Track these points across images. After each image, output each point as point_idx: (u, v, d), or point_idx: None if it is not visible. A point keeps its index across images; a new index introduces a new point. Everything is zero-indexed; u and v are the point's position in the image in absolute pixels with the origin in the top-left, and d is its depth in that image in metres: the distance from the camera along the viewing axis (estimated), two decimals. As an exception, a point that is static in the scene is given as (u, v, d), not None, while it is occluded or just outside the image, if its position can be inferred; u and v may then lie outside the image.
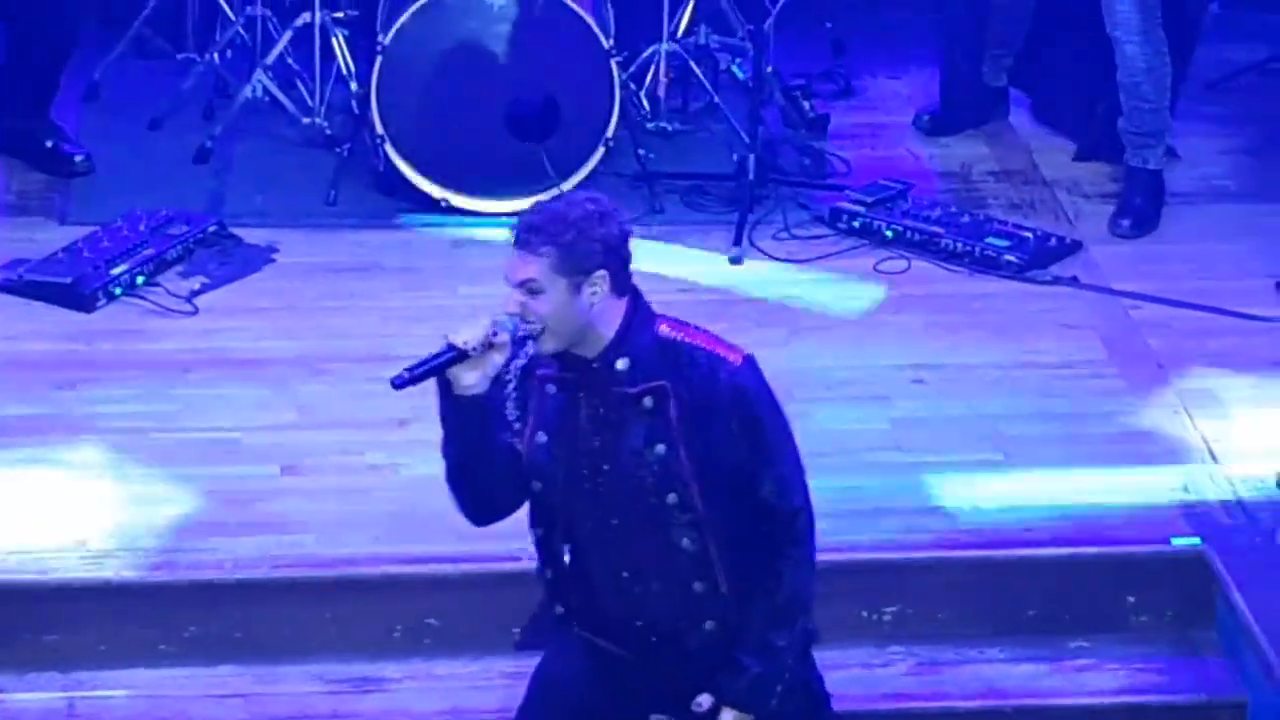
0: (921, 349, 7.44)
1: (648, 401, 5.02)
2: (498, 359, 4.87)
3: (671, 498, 5.03)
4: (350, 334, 7.50)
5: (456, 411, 4.98)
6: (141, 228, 7.72)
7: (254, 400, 7.18)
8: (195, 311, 7.54)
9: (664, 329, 5.11)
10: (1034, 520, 6.72)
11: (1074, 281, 7.79)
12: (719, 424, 5.04)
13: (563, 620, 5.31)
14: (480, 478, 5.11)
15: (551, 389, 5.03)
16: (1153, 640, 6.61)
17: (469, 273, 7.65)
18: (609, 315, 5.00)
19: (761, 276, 7.75)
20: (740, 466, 5.06)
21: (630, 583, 5.16)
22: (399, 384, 4.93)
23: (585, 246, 4.95)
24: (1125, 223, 8.13)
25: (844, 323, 7.57)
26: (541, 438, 5.04)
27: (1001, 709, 6.39)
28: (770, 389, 5.11)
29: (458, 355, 4.82)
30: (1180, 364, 7.39)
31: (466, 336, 4.81)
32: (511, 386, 5.08)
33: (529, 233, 4.89)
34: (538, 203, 5.05)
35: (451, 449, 5.06)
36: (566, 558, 5.21)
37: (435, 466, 6.67)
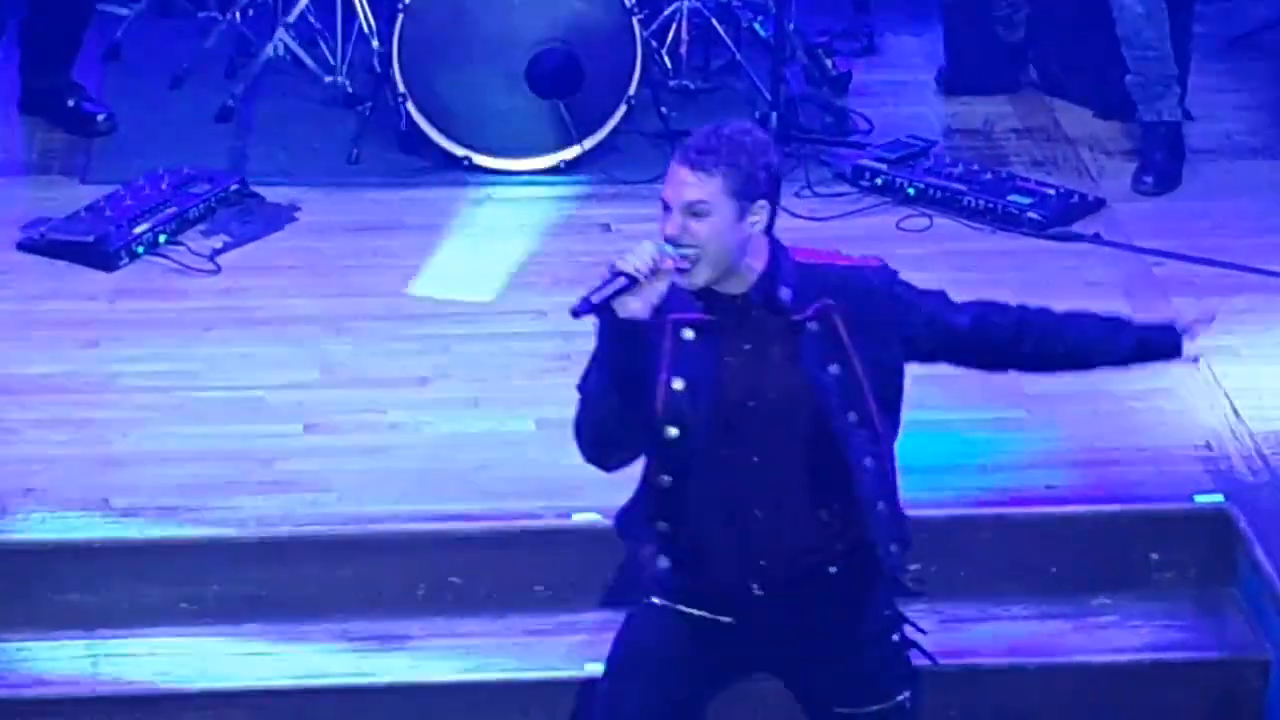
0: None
1: (814, 326, 5.02)
2: (660, 286, 4.83)
3: (852, 416, 5.03)
4: (372, 292, 7.51)
5: (619, 339, 4.90)
6: (164, 186, 7.74)
7: (276, 359, 7.21)
8: (218, 270, 7.57)
9: (801, 258, 5.15)
10: (1056, 477, 6.74)
11: (1097, 239, 7.79)
12: (884, 323, 5.11)
13: (666, 575, 5.22)
14: (626, 415, 5.00)
15: (690, 334, 5.00)
16: (1175, 598, 6.63)
17: (493, 229, 7.66)
18: (758, 249, 5.01)
19: (784, 234, 7.73)
20: (933, 334, 5.20)
21: (763, 529, 5.10)
22: (580, 311, 4.83)
23: (756, 173, 4.95)
24: (1149, 180, 8.15)
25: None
26: (678, 384, 4.98)
27: (1024, 666, 6.43)
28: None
29: (630, 282, 4.78)
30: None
31: (636, 263, 4.78)
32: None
33: (702, 154, 4.89)
34: (709, 126, 5.04)
35: (605, 382, 4.96)
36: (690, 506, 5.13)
37: (457, 424, 6.73)
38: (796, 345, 4.99)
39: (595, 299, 4.75)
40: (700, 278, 4.85)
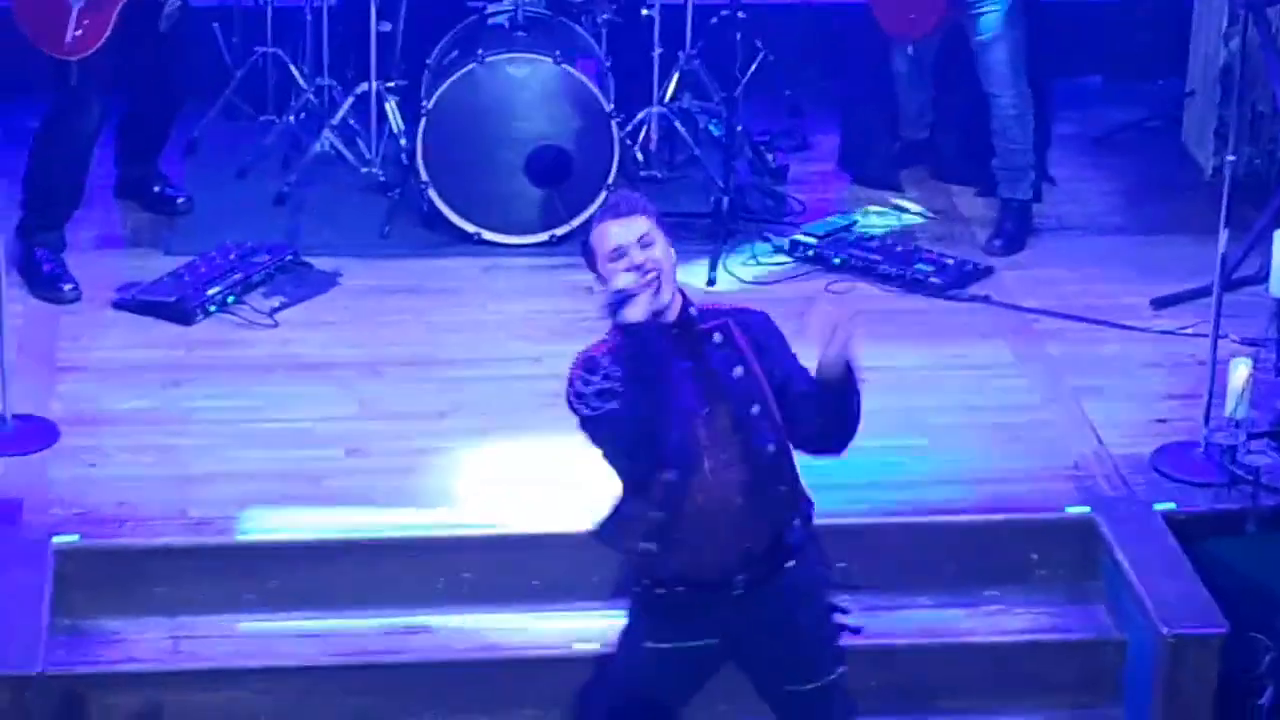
0: (863, 355, 7.43)
1: (718, 336, 5.08)
2: (647, 297, 4.92)
3: (755, 409, 5.06)
4: (400, 342, 7.51)
5: (635, 342, 4.94)
6: (231, 256, 7.75)
7: (322, 396, 7.19)
8: (275, 325, 7.58)
9: (597, 342, 5.20)
10: (953, 493, 6.74)
11: (987, 300, 7.79)
12: (762, 337, 5.16)
13: (656, 559, 5.20)
14: (658, 413, 5.00)
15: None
16: (1050, 590, 6.64)
17: (496, 292, 7.73)
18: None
19: (732, 295, 7.75)
20: (788, 356, 5.19)
21: (739, 512, 5.10)
22: (614, 308, 4.92)
23: (657, 216, 5.11)
24: (998, 243, 8.20)
25: (799, 333, 7.55)
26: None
27: (928, 646, 6.44)
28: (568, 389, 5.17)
29: (625, 296, 4.87)
30: (1073, 366, 7.41)
31: (624, 282, 4.90)
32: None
33: (627, 204, 5.11)
34: (614, 193, 5.28)
35: (638, 392, 4.95)
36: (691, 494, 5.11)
37: (469, 451, 6.70)
38: (708, 354, 5.04)
39: (609, 310, 4.88)
40: (667, 293, 4.93)
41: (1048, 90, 8.52)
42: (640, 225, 5.01)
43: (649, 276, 4.90)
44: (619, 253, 4.95)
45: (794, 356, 5.21)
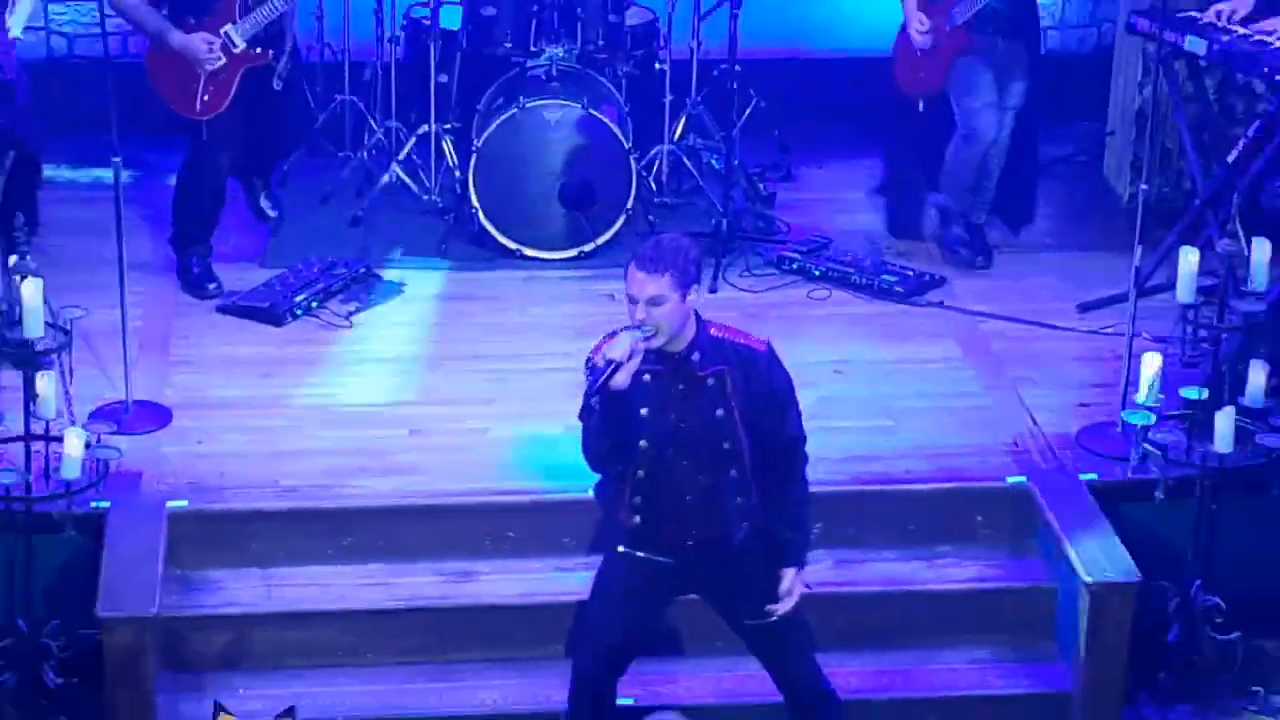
0: (839, 350, 7.46)
1: (712, 381, 5.11)
2: (635, 362, 4.95)
3: (727, 445, 5.18)
4: (454, 340, 7.53)
5: (613, 403, 5.01)
6: (315, 269, 7.76)
7: (390, 386, 7.21)
8: (350, 326, 7.58)
9: (713, 330, 5.22)
10: (914, 465, 6.75)
11: (941, 305, 7.78)
12: (759, 391, 5.15)
13: (635, 531, 5.34)
14: (620, 441, 5.14)
15: (647, 378, 5.08)
16: (994, 546, 6.66)
17: (534, 299, 7.73)
18: (691, 321, 5.11)
19: (730, 301, 7.75)
20: (771, 416, 5.22)
21: (691, 505, 5.25)
22: (594, 391, 5.01)
23: (689, 269, 5.05)
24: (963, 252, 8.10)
25: (785, 332, 7.55)
26: (644, 412, 5.10)
27: (892, 592, 6.44)
28: (782, 362, 5.33)
29: (618, 365, 4.91)
30: (1012, 361, 7.42)
31: (618, 352, 4.93)
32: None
33: (652, 260, 4.99)
34: (652, 239, 5.34)
35: (604, 428, 5.10)
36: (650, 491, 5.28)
37: (511, 430, 6.70)
38: (701, 393, 5.11)
39: (596, 386, 4.93)
40: (658, 343, 4.98)
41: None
42: (658, 285, 5.00)
43: (643, 337, 4.96)
44: (631, 299, 5.02)
45: (783, 417, 5.28)
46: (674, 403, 5.18)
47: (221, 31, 7.19)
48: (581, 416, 5.24)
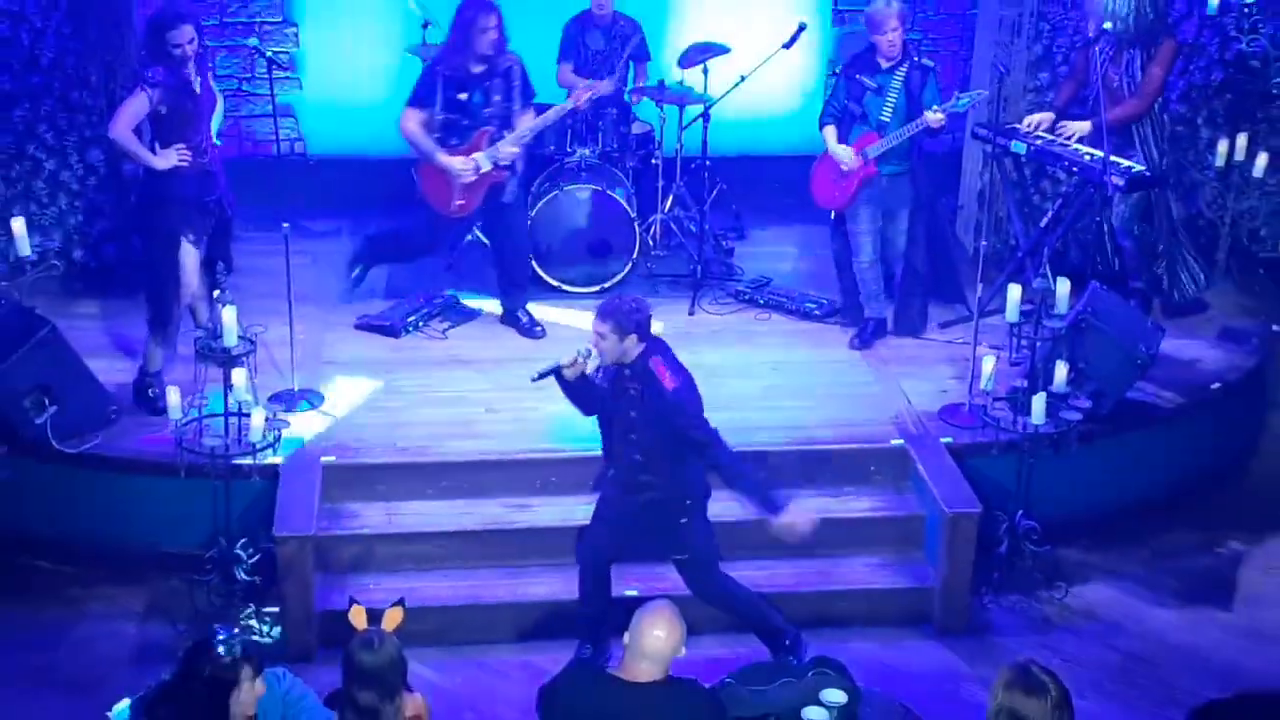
0: (776, 354, 7.43)
1: (632, 391, 5.27)
2: (578, 367, 5.29)
3: (633, 436, 5.38)
4: (515, 346, 7.46)
5: (567, 387, 5.45)
6: (420, 299, 7.73)
7: (472, 378, 7.18)
8: (445, 338, 7.55)
9: (652, 361, 5.33)
10: (827, 432, 6.74)
11: (841, 324, 7.68)
12: (661, 408, 5.30)
13: (606, 473, 5.58)
14: (587, 407, 5.54)
15: (600, 376, 5.44)
16: (883, 488, 6.67)
17: (567, 319, 7.63)
18: (633, 351, 5.25)
19: (703, 321, 7.72)
20: (677, 426, 5.30)
21: (623, 467, 5.48)
22: (535, 379, 5.43)
23: (627, 324, 5.24)
24: (856, 342, 7.46)
25: (740, 341, 7.56)
26: (605, 397, 5.38)
27: (841, 590, 6.39)
28: (692, 394, 5.37)
29: (558, 368, 5.32)
30: (894, 361, 7.35)
31: (565, 360, 5.33)
32: (601, 373, 5.42)
33: (602, 314, 5.27)
34: (609, 298, 5.51)
35: (569, 398, 5.51)
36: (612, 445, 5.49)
37: (553, 408, 6.71)
38: (625, 396, 5.33)
39: (539, 377, 5.41)
40: (594, 363, 5.34)
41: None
42: (601, 328, 5.25)
43: (586, 354, 5.29)
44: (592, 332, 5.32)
45: (686, 430, 5.31)
46: (615, 397, 5.39)
47: (474, 156, 7.04)
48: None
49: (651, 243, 8.37)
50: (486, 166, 7.07)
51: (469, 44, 6.94)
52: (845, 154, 7.08)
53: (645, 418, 5.34)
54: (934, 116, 6.87)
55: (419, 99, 7.09)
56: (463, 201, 7.15)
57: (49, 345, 6.33)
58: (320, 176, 8.78)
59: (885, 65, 7.01)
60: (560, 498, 6.41)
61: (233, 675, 4.02)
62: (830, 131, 7.18)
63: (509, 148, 7.11)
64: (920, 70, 7.01)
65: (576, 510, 6.28)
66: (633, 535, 5.62)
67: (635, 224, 7.87)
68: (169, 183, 6.34)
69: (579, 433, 6.55)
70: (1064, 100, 7.49)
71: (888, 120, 7.03)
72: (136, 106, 6.26)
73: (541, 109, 7.33)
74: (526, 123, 7.15)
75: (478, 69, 7.01)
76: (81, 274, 7.63)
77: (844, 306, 7.66)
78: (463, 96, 7.00)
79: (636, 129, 8.35)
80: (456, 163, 7.04)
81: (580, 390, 5.47)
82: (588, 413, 5.58)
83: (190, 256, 6.50)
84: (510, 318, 7.57)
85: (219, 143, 6.58)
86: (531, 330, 7.49)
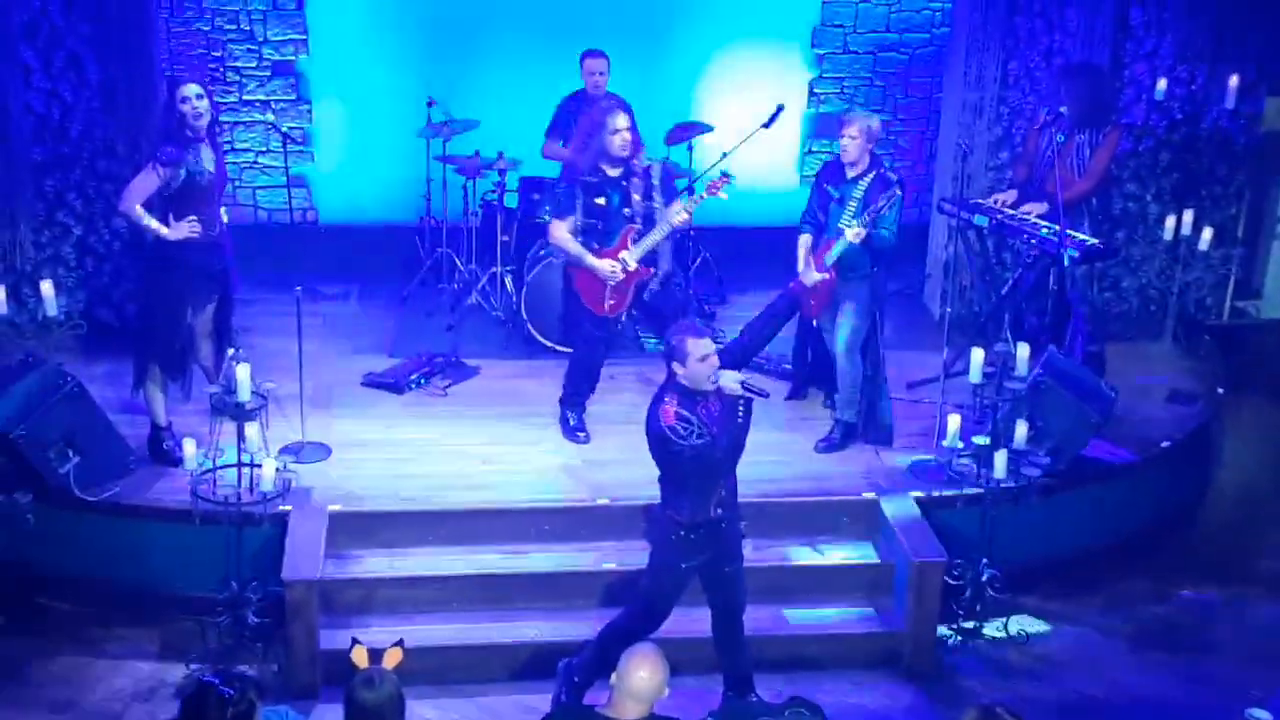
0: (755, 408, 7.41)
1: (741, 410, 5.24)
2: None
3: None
4: (513, 403, 7.42)
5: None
6: (423, 359, 7.73)
7: (471, 431, 7.15)
8: (445, 395, 7.53)
9: (665, 399, 5.21)
10: (802, 485, 6.74)
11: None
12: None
13: (690, 521, 5.39)
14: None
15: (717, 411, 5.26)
16: (854, 537, 6.64)
17: (561, 377, 7.37)
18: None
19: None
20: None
21: (720, 499, 5.37)
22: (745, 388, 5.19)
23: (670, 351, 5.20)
24: (822, 445, 7.01)
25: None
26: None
27: (787, 566, 6.46)
28: (655, 425, 5.19)
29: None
30: (864, 419, 7.31)
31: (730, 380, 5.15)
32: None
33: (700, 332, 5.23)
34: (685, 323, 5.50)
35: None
36: None
37: (548, 461, 6.65)
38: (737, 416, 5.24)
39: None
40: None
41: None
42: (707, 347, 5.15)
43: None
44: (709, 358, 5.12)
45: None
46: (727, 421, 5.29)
47: (620, 256, 6.78)
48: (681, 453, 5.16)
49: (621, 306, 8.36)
50: (633, 265, 6.76)
51: (602, 148, 6.67)
52: (801, 265, 6.63)
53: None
54: (852, 233, 6.48)
55: (561, 210, 6.84)
56: (614, 301, 6.83)
57: (74, 399, 6.36)
58: (331, 243, 8.88)
59: (851, 175, 6.61)
60: (553, 545, 6.41)
61: (248, 707, 3.99)
62: (803, 241, 6.68)
63: (644, 245, 6.77)
64: (883, 183, 6.54)
65: (568, 558, 6.30)
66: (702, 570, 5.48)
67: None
68: (178, 250, 6.30)
69: (569, 485, 6.60)
70: (1019, 180, 7.59)
71: (853, 230, 6.54)
72: (146, 183, 6.23)
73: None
74: (667, 221, 6.73)
75: (613, 172, 6.75)
76: (104, 332, 7.64)
77: (792, 374, 7.51)
78: (600, 202, 6.73)
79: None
80: (604, 265, 6.74)
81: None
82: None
83: (197, 319, 6.51)
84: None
85: (226, 217, 6.56)
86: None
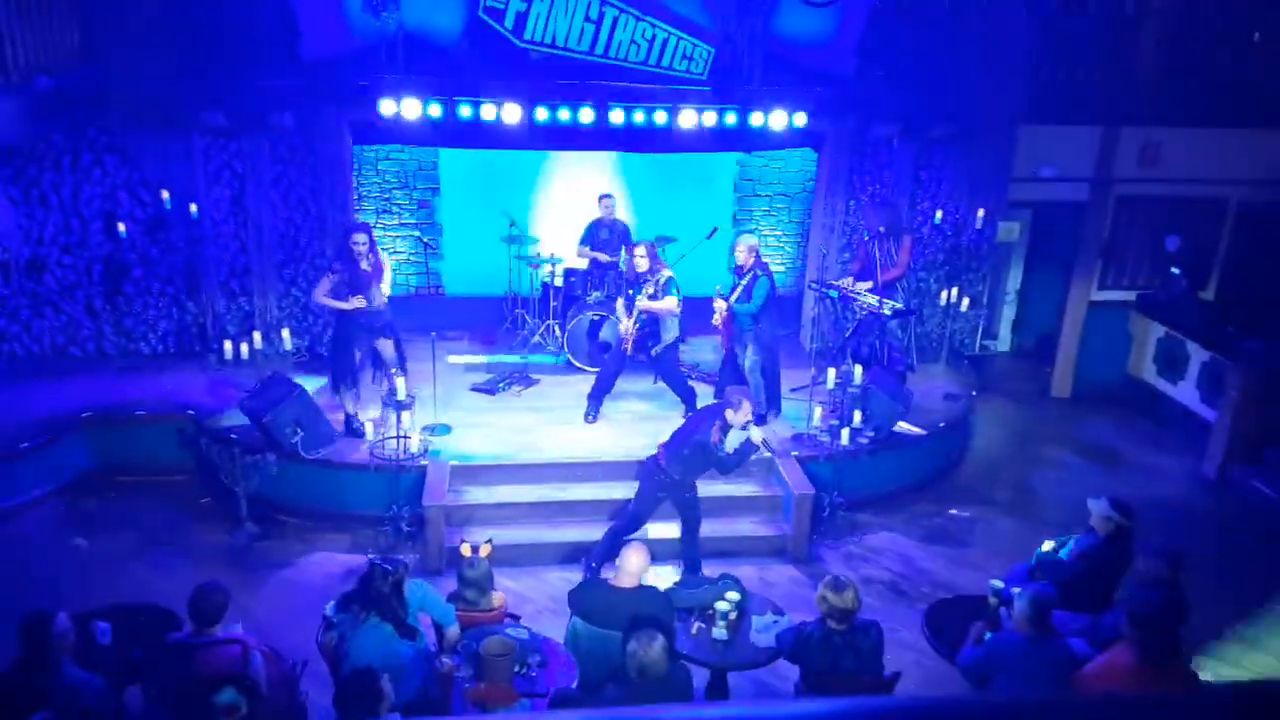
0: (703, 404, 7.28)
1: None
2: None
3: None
4: (562, 402, 7.17)
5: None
6: (507, 372, 7.42)
7: (534, 416, 6.91)
8: (519, 396, 7.28)
9: (716, 423, 5.05)
10: (753, 485, 6.52)
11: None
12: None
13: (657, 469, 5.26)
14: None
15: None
16: (758, 479, 6.43)
17: (589, 387, 7.19)
18: None
19: (660, 388, 7.43)
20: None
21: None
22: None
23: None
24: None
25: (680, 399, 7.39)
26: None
27: (717, 497, 6.20)
28: (704, 434, 5.04)
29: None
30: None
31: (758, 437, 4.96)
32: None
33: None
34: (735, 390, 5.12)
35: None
36: None
37: (585, 434, 6.40)
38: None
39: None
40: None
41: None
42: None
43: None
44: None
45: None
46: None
47: (629, 319, 6.60)
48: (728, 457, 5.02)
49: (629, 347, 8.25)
50: (632, 329, 6.62)
51: (630, 264, 6.56)
52: (717, 311, 6.52)
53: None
54: (718, 304, 6.39)
55: (616, 295, 6.68)
56: (627, 345, 6.66)
57: (300, 398, 6.34)
58: (452, 307, 8.81)
59: (744, 270, 6.43)
60: (585, 484, 6.30)
61: (399, 578, 4.00)
62: (718, 304, 6.53)
63: (632, 318, 6.64)
64: (755, 277, 6.36)
65: (599, 492, 6.16)
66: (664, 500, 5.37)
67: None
68: (350, 316, 6.27)
69: (594, 450, 6.50)
70: (855, 270, 7.58)
71: (735, 300, 6.45)
72: (325, 284, 6.26)
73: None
74: (637, 308, 6.61)
75: (639, 277, 6.57)
76: (319, 360, 7.59)
77: (716, 383, 7.21)
78: (630, 292, 6.62)
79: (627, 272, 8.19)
80: (623, 324, 6.66)
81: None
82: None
83: (373, 353, 6.43)
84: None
85: (387, 296, 6.38)
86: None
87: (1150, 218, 8.22)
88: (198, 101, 6.84)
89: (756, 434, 5.14)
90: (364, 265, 6.25)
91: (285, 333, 6.86)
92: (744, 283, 6.53)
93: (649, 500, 5.43)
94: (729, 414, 5.15)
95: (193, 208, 7.18)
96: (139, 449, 6.53)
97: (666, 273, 6.67)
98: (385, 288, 6.43)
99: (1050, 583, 4.29)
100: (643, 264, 6.55)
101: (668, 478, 5.29)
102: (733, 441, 5.13)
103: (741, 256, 6.49)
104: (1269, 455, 7.01)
